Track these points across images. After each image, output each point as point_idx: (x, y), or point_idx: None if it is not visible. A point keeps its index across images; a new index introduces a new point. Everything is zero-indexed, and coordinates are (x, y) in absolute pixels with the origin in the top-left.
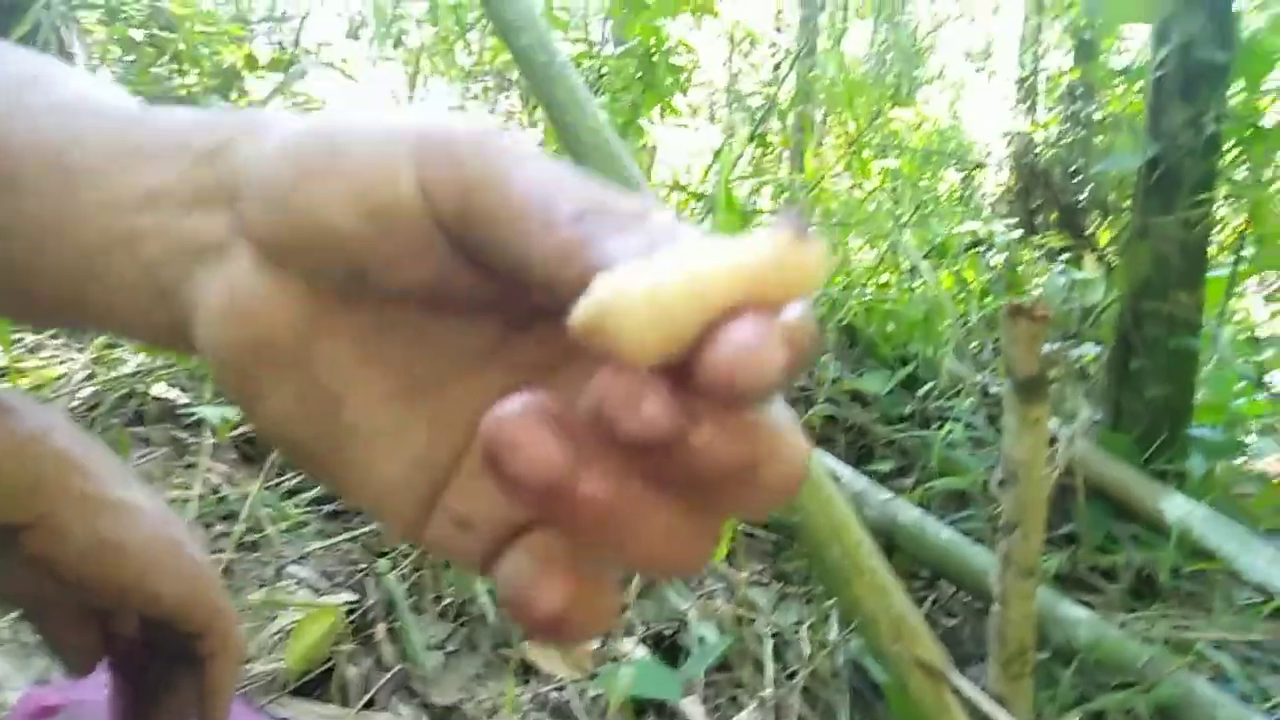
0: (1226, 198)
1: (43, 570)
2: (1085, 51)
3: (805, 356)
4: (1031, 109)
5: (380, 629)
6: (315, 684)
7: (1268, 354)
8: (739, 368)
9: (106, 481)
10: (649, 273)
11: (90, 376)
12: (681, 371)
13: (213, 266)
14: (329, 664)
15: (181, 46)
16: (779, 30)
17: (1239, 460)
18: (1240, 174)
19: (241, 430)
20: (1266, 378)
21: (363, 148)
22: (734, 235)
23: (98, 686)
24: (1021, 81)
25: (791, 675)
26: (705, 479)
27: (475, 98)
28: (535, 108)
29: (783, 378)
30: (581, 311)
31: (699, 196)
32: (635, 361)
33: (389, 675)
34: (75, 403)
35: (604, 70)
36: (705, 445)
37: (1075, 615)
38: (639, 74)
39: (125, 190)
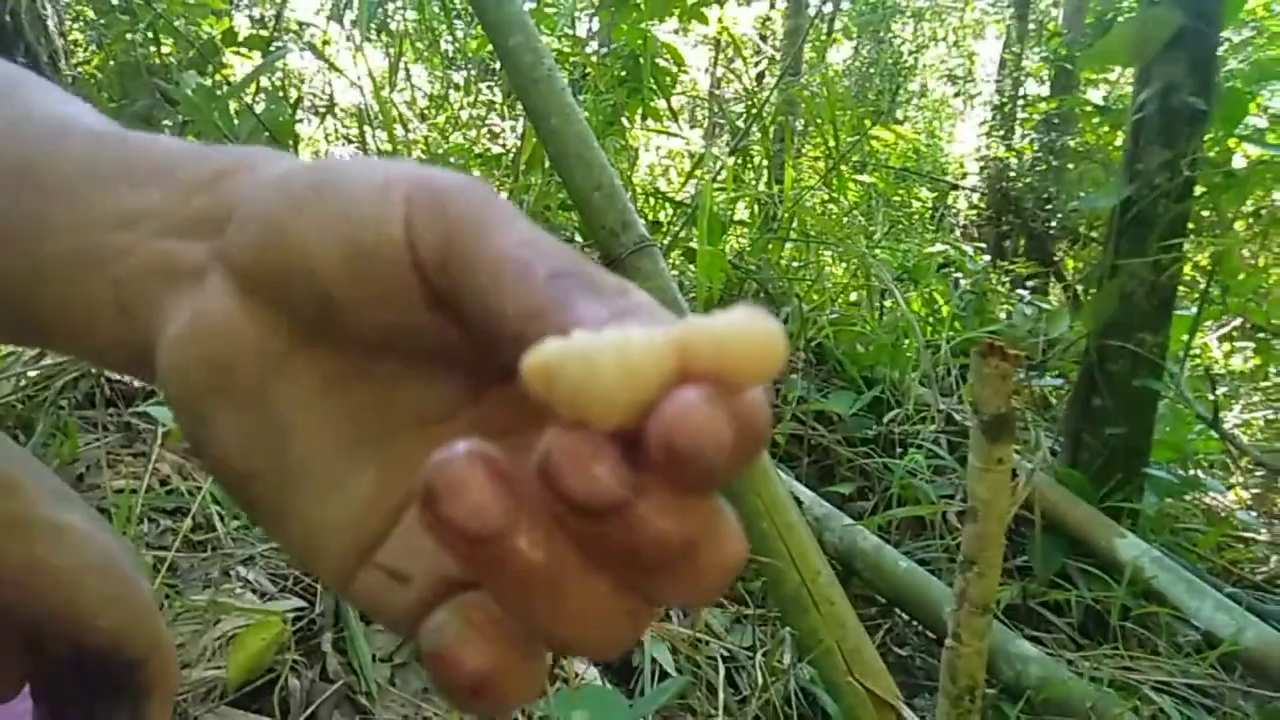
0: (1194, 239)
1: None
2: (1062, 81)
3: (755, 443)
4: (1007, 135)
5: (327, 638)
6: (256, 695)
7: (1221, 392)
8: (678, 429)
9: (44, 503)
10: (608, 336)
11: (39, 357)
12: (632, 443)
13: (185, 290)
14: (271, 674)
15: (159, 16)
16: (764, 38)
17: (1190, 496)
18: (1208, 216)
19: None
20: (1221, 414)
21: (355, 189)
22: (709, 299)
23: (12, 715)
24: (999, 107)
25: (743, 701)
26: (642, 554)
27: (456, 87)
28: (516, 100)
29: (727, 455)
30: (533, 356)
31: (677, 204)
32: (580, 418)
33: (332, 688)
34: (23, 384)
35: (587, 70)
36: (648, 517)
37: (1026, 652)
38: (624, 76)
39: (100, 209)
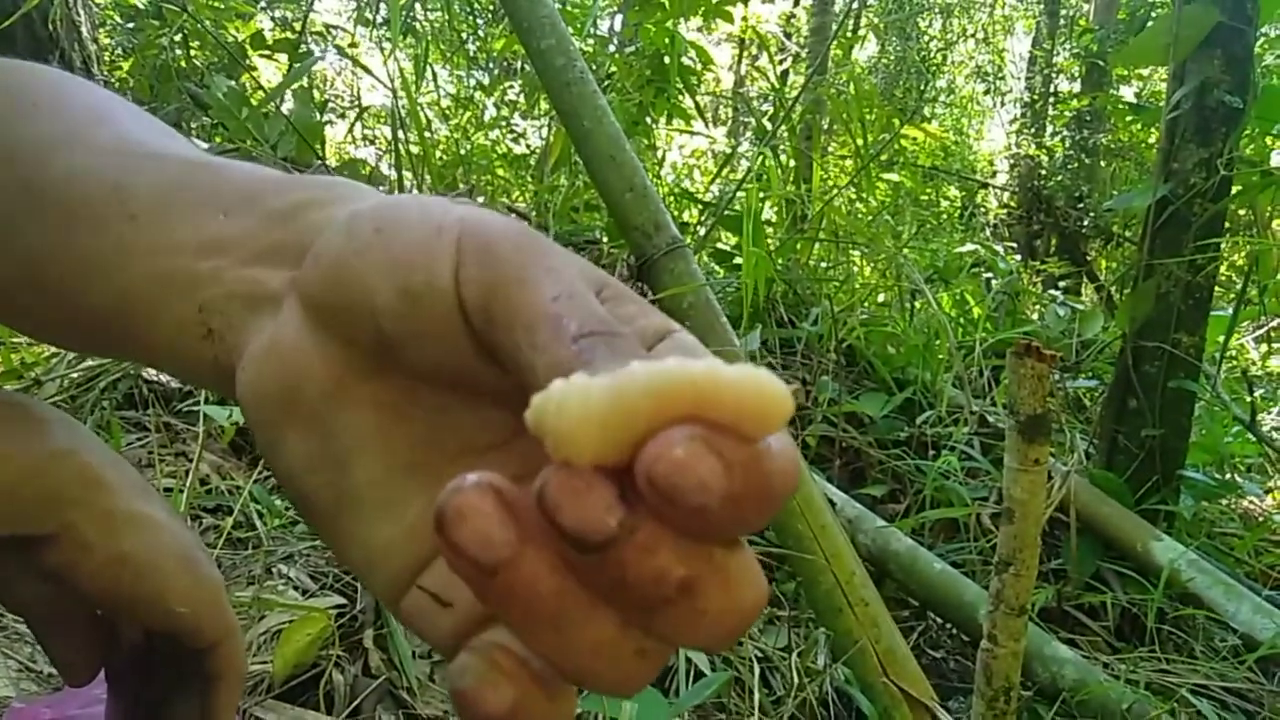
0: (1230, 238)
1: (58, 582)
2: (1094, 78)
3: (763, 491)
4: (1038, 133)
5: (368, 635)
6: (301, 688)
7: (1259, 393)
8: (654, 464)
9: (128, 496)
10: (607, 379)
11: (81, 359)
12: (629, 481)
13: (264, 316)
14: (315, 669)
15: (189, 18)
16: (788, 36)
17: (1226, 500)
18: (1244, 215)
19: (236, 422)
20: (1259, 416)
21: (412, 232)
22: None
23: (88, 701)
24: (1029, 104)
25: (778, 702)
26: (639, 590)
27: (481, 87)
28: (539, 98)
29: (719, 497)
30: (533, 405)
31: (705, 204)
32: (572, 459)
33: (375, 683)
34: (67, 384)
35: (612, 70)
36: (641, 553)
37: (1061, 654)
38: (650, 75)
39: (187, 236)
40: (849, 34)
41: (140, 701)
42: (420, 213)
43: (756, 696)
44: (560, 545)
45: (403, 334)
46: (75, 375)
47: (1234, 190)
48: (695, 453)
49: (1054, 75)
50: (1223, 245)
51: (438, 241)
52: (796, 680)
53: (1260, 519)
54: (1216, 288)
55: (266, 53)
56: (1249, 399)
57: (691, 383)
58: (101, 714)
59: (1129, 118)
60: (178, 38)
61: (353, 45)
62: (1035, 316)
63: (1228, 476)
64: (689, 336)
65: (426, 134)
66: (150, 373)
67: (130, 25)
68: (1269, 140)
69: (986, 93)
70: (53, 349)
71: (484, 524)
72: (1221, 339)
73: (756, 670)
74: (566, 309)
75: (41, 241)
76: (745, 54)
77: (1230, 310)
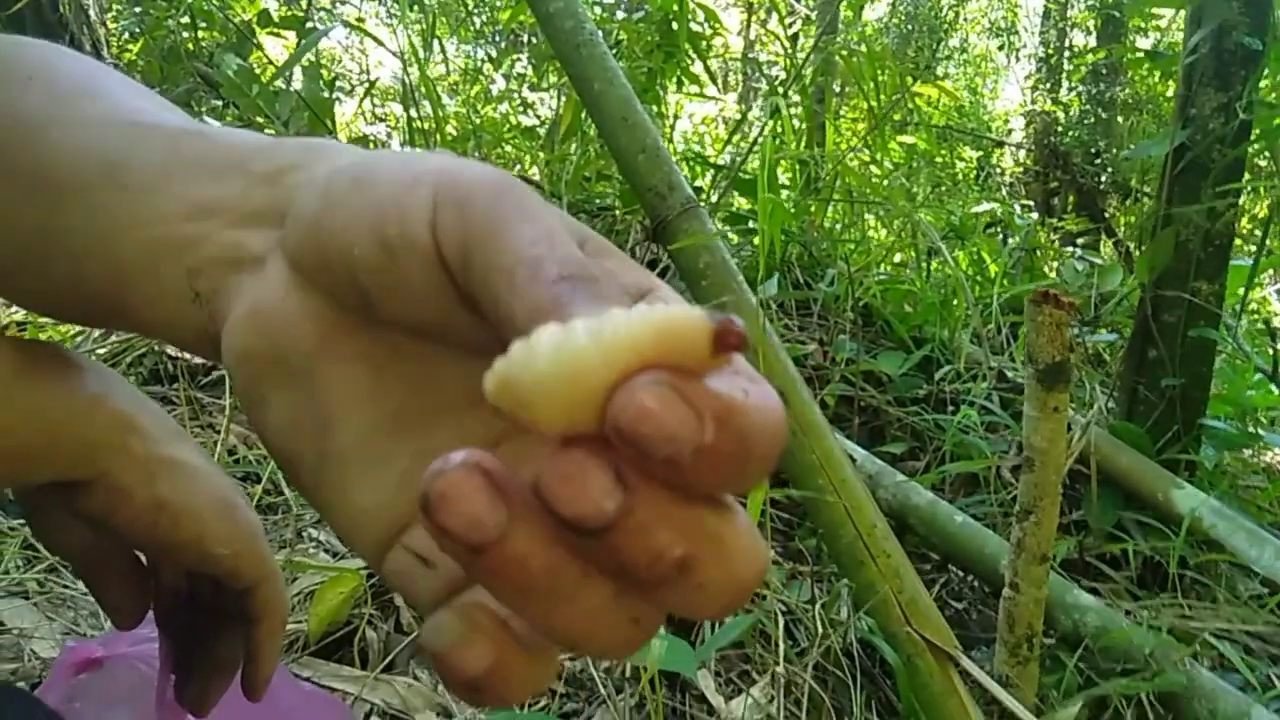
0: (1249, 188)
1: (100, 527)
2: (1110, 30)
3: (736, 447)
4: (1054, 88)
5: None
6: (335, 646)
7: None
8: (626, 414)
9: (163, 442)
10: (561, 336)
11: (107, 335)
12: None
13: (248, 277)
14: (349, 626)
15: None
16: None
17: (1249, 453)
18: (1264, 163)
19: None
20: None
21: (387, 185)
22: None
23: (139, 640)
24: (1044, 60)
25: (802, 653)
26: (637, 569)
27: (489, 59)
28: (546, 70)
29: (691, 444)
30: (491, 375)
31: (718, 168)
32: (540, 427)
33: (408, 639)
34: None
35: (621, 37)
36: (639, 533)
37: (1083, 602)
38: (658, 41)
39: (176, 201)
40: None
41: (189, 641)
42: (397, 165)
43: (781, 648)
44: (552, 522)
45: (382, 286)
46: (101, 351)
47: (1253, 135)
48: (663, 399)
49: (1069, 29)
50: (1242, 192)
51: (413, 192)
52: (820, 630)
53: None
54: (1237, 240)
55: (275, 30)
56: (1271, 350)
57: (665, 329)
58: (151, 652)
59: (1145, 67)
60: (185, 19)
61: (359, 20)
62: (1053, 274)
63: (1250, 429)
64: (672, 292)
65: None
66: (173, 348)
67: (138, 9)
68: None
69: (1000, 49)
70: (78, 327)
71: (472, 506)
72: (1242, 291)
73: (781, 623)
74: (545, 252)
75: (35, 223)
76: (754, 18)
77: (1251, 261)
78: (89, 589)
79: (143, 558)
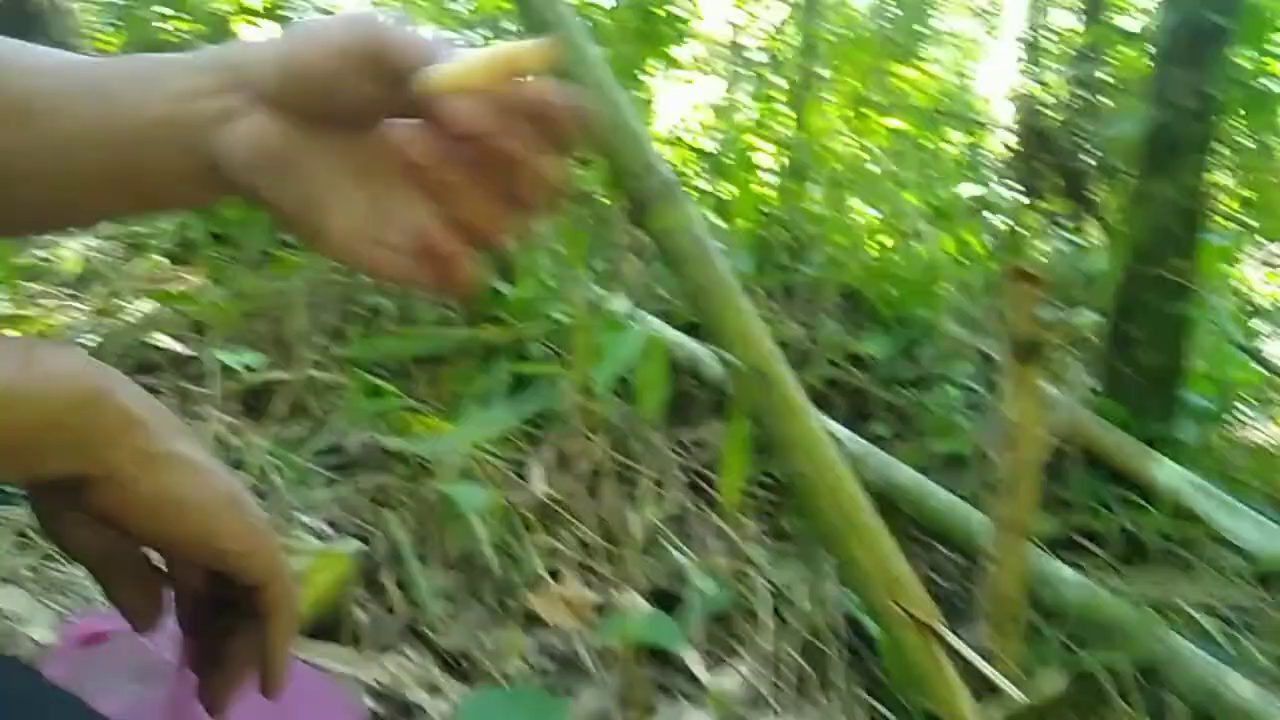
0: (1226, 166)
1: (109, 526)
2: (1094, 11)
3: (531, 110)
4: (1038, 70)
5: (388, 576)
6: (327, 628)
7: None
8: (450, 110)
9: (166, 437)
10: (460, 59)
11: (96, 325)
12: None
13: (236, 122)
14: (340, 609)
15: None
16: None
17: (1230, 430)
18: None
19: (248, 384)
20: (1260, 346)
21: (336, 23)
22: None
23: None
24: (1028, 42)
25: (790, 630)
26: (502, 164)
27: (470, 46)
28: None
29: (493, 124)
30: (422, 76)
31: (701, 152)
32: (433, 90)
33: (400, 621)
34: None
35: (600, 21)
36: (499, 137)
37: (1065, 576)
38: (638, 26)
39: (156, 95)
40: None
41: (210, 640)
42: (335, 16)
43: (771, 625)
44: (458, 149)
45: (341, 88)
46: (86, 343)
47: (1223, 111)
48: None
49: (1048, 9)
50: (1211, 166)
51: (352, 23)
52: (806, 607)
53: (1273, 451)
54: (1219, 219)
55: (252, 20)
56: (1252, 328)
57: (511, 51)
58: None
59: (1121, 44)
60: (163, 10)
61: (337, 8)
62: (1039, 255)
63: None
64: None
65: None
66: (160, 337)
67: (118, 2)
68: (1260, 66)
69: (987, 31)
70: (65, 320)
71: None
72: (1221, 266)
73: (766, 599)
74: (433, 45)
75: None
76: (739, 2)
77: (1229, 240)
78: (103, 591)
79: (161, 564)
